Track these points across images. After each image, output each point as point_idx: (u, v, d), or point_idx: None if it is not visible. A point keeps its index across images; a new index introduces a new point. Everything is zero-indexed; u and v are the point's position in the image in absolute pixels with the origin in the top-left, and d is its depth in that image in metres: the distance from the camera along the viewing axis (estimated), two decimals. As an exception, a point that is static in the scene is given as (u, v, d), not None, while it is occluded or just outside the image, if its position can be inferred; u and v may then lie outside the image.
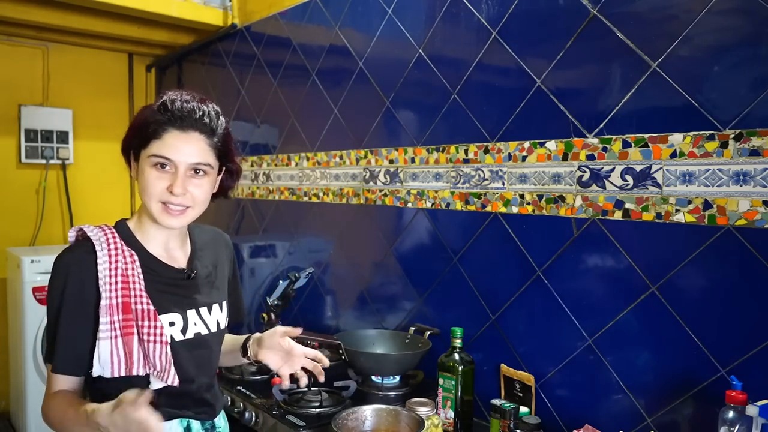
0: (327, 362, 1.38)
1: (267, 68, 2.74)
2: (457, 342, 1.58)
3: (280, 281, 2.27)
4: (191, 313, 1.23)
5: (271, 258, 2.76)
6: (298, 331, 1.37)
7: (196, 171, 1.16)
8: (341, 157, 2.29)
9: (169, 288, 1.21)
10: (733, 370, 1.21)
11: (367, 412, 1.47)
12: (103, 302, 1.10)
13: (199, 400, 1.25)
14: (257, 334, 1.40)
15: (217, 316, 1.29)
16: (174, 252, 1.25)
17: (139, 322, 1.12)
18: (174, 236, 1.25)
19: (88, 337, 1.11)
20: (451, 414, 1.56)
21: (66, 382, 1.12)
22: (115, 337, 1.10)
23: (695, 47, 1.28)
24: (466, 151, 1.78)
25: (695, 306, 1.29)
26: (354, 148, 2.23)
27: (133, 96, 3.82)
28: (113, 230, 1.18)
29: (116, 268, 1.13)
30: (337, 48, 2.30)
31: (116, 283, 1.12)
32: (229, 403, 1.75)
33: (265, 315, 2.24)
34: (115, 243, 1.15)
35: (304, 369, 1.36)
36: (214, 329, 1.28)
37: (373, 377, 1.79)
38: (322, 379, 1.38)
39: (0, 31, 3.18)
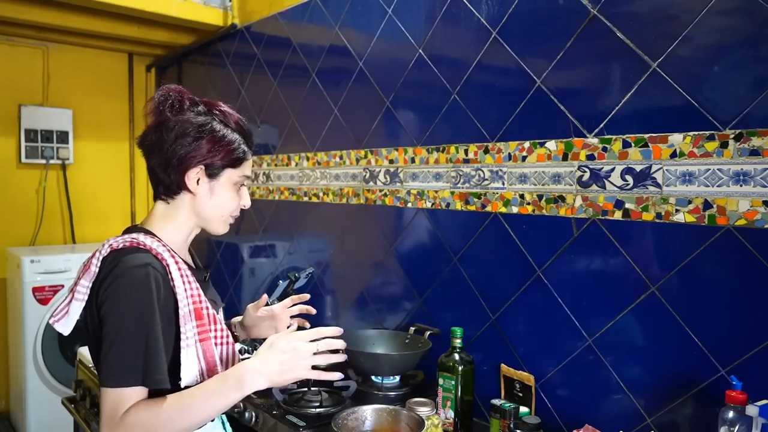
0: (305, 296, 1.49)
1: (267, 68, 2.74)
2: (457, 342, 1.58)
3: (280, 281, 2.26)
4: (221, 312, 1.28)
5: (271, 258, 2.76)
6: (263, 299, 1.47)
7: None
8: (341, 157, 2.29)
9: (203, 291, 1.22)
10: (733, 370, 1.21)
11: (367, 412, 1.47)
12: (182, 311, 1.08)
13: None
14: (235, 320, 1.48)
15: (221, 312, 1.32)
16: (185, 256, 1.26)
17: (210, 326, 1.13)
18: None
19: (172, 348, 1.08)
20: (451, 414, 1.56)
21: (139, 396, 1.03)
22: (196, 343, 1.10)
23: (695, 47, 1.28)
24: (466, 151, 1.78)
25: (695, 306, 1.29)
26: (354, 148, 2.23)
27: (133, 96, 3.82)
28: (158, 238, 1.16)
29: (182, 276, 1.11)
30: (337, 48, 2.30)
31: (188, 290, 1.11)
32: (229, 403, 1.76)
33: (265, 315, 2.24)
34: (171, 251, 1.14)
35: (294, 317, 1.47)
36: None
37: (373, 377, 1.79)
38: (313, 311, 1.48)
39: (0, 31, 3.18)
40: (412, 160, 1.97)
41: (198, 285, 1.15)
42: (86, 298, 1.08)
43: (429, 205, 1.91)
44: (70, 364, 2.98)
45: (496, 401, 1.51)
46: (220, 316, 1.28)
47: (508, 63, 1.65)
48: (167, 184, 1.17)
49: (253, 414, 1.67)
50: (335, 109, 2.32)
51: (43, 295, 2.97)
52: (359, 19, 2.20)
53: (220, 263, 3.08)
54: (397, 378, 1.81)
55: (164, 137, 1.14)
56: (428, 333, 1.85)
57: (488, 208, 1.72)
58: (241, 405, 1.72)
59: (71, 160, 3.55)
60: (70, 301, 1.10)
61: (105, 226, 3.73)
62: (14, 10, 2.80)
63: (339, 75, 2.30)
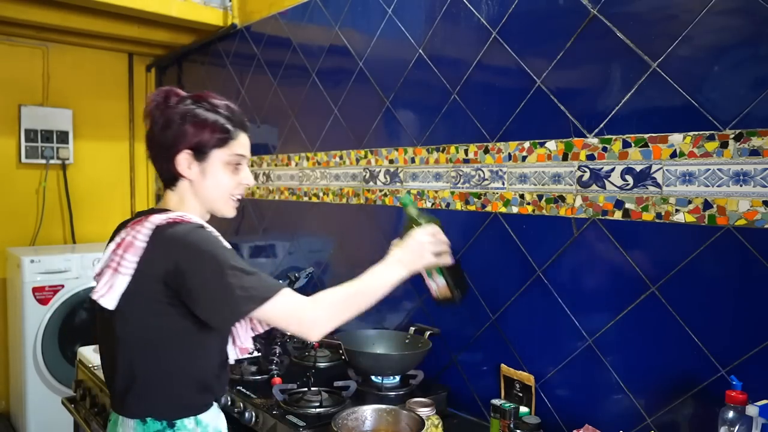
0: None
1: (267, 68, 2.74)
2: (411, 211, 1.43)
3: (280, 281, 2.26)
4: None
5: (271, 258, 2.76)
6: None
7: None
8: (341, 157, 2.29)
9: None
10: (733, 370, 1.21)
11: (367, 412, 1.47)
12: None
13: None
14: None
15: None
16: None
17: None
18: None
19: None
20: (441, 281, 1.38)
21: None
22: None
23: (695, 47, 1.28)
24: (466, 151, 1.78)
25: (695, 306, 1.29)
26: (354, 148, 2.23)
27: (133, 96, 3.82)
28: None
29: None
30: (337, 48, 2.30)
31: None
32: (230, 403, 1.75)
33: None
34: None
35: None
36: None
37: (373, 377, 1.79)
38: None
39: (0, 31, 3.18)
40: (412, 160, 1.97)
41: None
42: (132, 272, 1.13)
43: (429, 205, 1.91)
44: (70, 364, 2.98)
45: (496, 401, 1.51)
46: None
47: (508, 63, 1.65)
48: (164, 174, 1.26)
49: (253, 414, 1.67)
50: (335, 109, 2.32)
51: (43, 295, 2.96)
52: (359, 19, 2.20)
53: (220, 263, 3.08)
54: (397, 378, 1.81)
55: (153, 131, 1.24)
56: (428, 333, 1.85)
57: (488, 208, 1.72)
58: (241, 405, 1.72)
59: (71, 160, 3.55)
60: (113, 275, 1.14)
61: (105, 226, 3.73)
62: (14, 10, 2.80)
63: (339, 75, 2.30)
